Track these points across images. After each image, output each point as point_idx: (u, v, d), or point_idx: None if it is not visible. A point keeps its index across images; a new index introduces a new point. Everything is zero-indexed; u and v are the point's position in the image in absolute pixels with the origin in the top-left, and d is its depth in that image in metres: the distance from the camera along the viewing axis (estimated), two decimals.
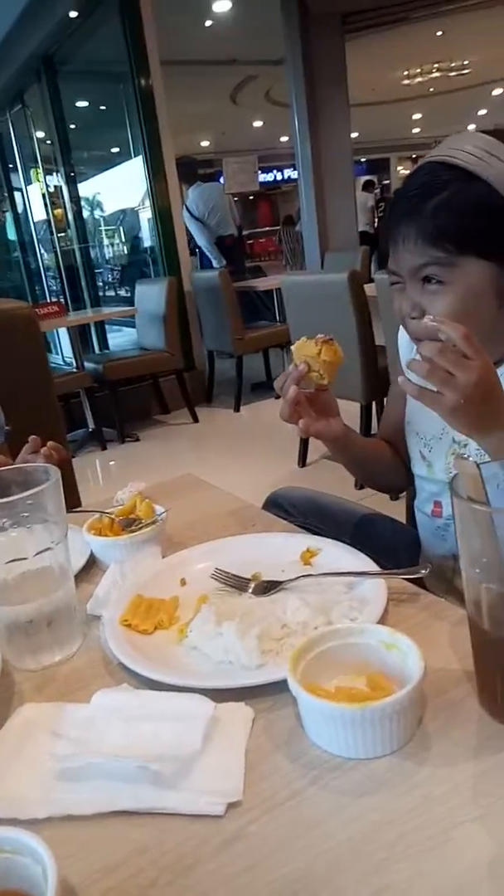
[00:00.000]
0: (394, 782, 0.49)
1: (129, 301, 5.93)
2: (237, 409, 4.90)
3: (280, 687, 0.58)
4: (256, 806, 0.48)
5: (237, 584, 0.76)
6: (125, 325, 7.24)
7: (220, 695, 0.57)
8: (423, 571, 0.71)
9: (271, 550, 0.82)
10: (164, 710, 0.56)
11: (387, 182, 12.88)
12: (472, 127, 18.02)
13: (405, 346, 1.01)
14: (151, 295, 4.55)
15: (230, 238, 6.16)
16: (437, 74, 11.16)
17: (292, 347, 0.87)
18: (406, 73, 11.06)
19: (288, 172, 18.53)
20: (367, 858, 0.43)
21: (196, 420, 4.74)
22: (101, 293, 7.35)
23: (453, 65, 10.87)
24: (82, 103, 6.91)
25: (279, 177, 17.88)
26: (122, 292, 9.14)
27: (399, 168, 19.83)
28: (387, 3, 5.80)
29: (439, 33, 8.65)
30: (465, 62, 10.76)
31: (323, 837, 0.45)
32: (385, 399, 1.11)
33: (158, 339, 4.53)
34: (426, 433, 0.93)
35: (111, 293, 8.22)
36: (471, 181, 0.76)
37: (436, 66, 10.87)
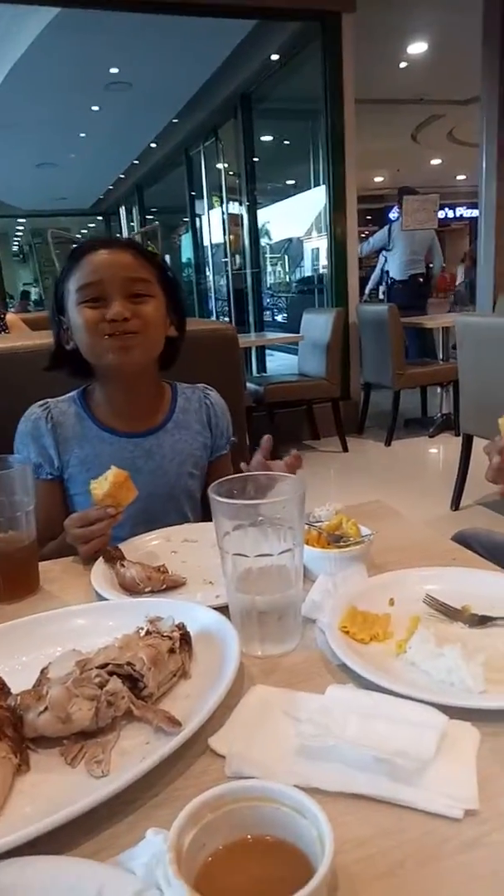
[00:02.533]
0: None
1: (286, 328, 6.14)
2: (388, 444, 4.88)
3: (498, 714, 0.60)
4: (493, 818, 0.51)
5: (448, 612, 0.79)
6: (280, 351, 7.49)
7: (445, 711, 0.61)
8: None
9: (479, 585, 0.84)
10: (397, 713, 0.60)
11: None
12: None
13: None
14: (318, 323, 4.68)
15: (421, 276, 6.25)
16: None
17: (500, 420, 0.91)
18: None
19: (460, 211, 18.22)
20: None
21: (346, 449, 4.78)
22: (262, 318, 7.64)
23: None
24: (268, 137, 7.30)
25: (450, 214, 17.64)
26: (279, 318, 9.45)
27: None
28: None
29: None
30: None
31: None
32: None
33: (319, 366, 4.64)
34: None
35: (268, 318, 8.53)
36: None
37: None
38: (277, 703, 0.65)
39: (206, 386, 1.40)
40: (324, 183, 5.07)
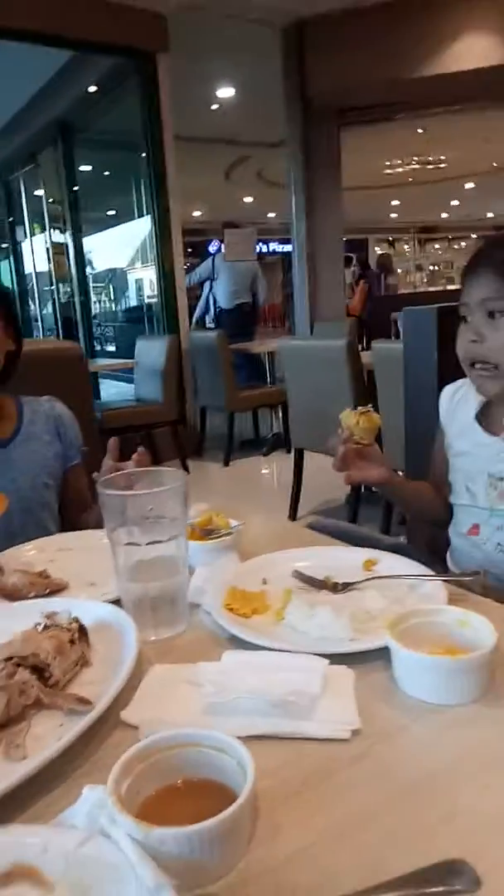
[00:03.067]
0: (478, 722, 0.63)
1: (115, 355, 6.15)
2: (227, 464, 5.06)
3: (373, 656, 0.71)
4: (374, 734, 0.61)
5: (314, 583, 0.89)
6: (112, 379, 7.46)
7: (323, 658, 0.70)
8: (476, 576, 0.86)
9: (337, 560, 0.97)
10: (287, 664, 0.68)
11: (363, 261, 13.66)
12: (444, 215, 19.31)
13: (446, 403, 1.20)
14: (152, 350, 4.76)
15: (247, 305, 6.54)
16: (416, 166, 12.03)
17: (340, 416, 1.10)
18: (388, 163, 11.91)
19: (273, 246, 19.45)
20: (472, 766, 0.57)
21: (186, 471, 4.87)
22: (94, 346, 7.55)
23: (431, 159, 11.75)
24: (88, 167, 7.30)
25: (265, 249, 18.74)
26: (110, 347, 9.40)
27: (376, 248, 20.95)
28: (377, 103, 6.36)
29: (420, 131, 9.43)
30: (442, 157, 11.65)
31: (430, 758, 0.59)
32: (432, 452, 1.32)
33: (156, 391, 4.71)
34: (471, 470, 1.11)
35: (98, 348, 8.45)
36: None
37: (415, 159, 11.73)
38: (178, 675, 0.70)
39: (50, 397, 1.42)
40: (148, 214, 5.20)
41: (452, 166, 12.15)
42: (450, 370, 2.41)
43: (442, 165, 12.07)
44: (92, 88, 5.76)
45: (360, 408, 1.08)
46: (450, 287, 11.70)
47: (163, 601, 0.80)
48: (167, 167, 5.05)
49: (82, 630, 0.74)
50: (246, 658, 0.71)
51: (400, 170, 12.28)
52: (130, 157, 5.64)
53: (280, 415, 5.31)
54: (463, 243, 21.10)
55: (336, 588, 0.88)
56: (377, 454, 1.13)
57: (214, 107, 7.65)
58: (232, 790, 0.51)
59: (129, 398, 5.08)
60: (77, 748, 0.60)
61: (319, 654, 0.70)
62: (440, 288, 11.40)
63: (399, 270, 14.53)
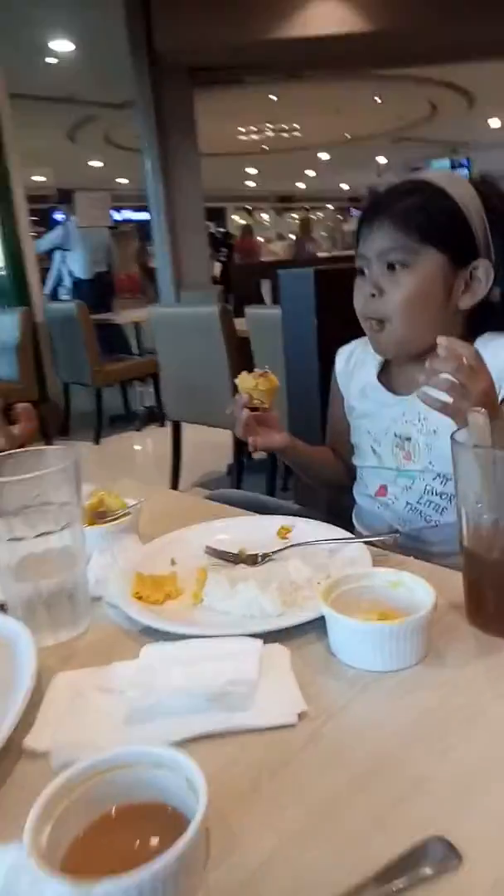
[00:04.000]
0: (425, 684, 0.59)
1: None
2: (97, 442, 4.84)
3: (305, 629, 0.66)
4: (320, 714, 0.56)
5: (229, 558, 0.82)
6: None
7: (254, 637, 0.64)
8: (395, 537, 0.83)
9: (248, 531, 0.90)
10: (217, 651, 0.61)
11: (224, 230, 13.57)
12: (301, 185, 19.62)
13: (342, 365, 1.17)
14: (2, 324, 4.41)
15: (106, 274, 6.21)
16: (270, 134, 12.05)
17: (236, 381, 1.03)
18: (243, 129, 11.84)
19: (127, 213, 18.77)
20: (428, 732, 0.53)
21: None
22: None
23: (285, 127, 11.82)
24: None
25: (118, 217, 18.04)
26: None
27: (234, 217, 20.91)
28: (228, 64, 6.23)
29: (273, 98, 9.43)
30: (296, 126, 11.76)
31: (384, 730, 0.54)
32: (327, 414, 1.29)
33: (11, 369, 4.38)
34: (376, 432, 1.07)
35: None
36: (440, 195, 0.94)
37: (269, 126, 11.75)
38: (88, 682, 0.61)
39: None
40: None
41: (306, 136, 12.29)
42: (329, 333, 2.42)
43: (296, 134, 12.17)
44: None
45: (256, 370, 1.02)
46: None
47: (59, 599, 0.69)
48: (3, 127, 4.63)
49: None
50: (168, 651, 0.62)
51: (255, 137, 12.24)
52: None
53: (151, 387, 5.16)
54: (320, 213, 21.59)
55: (254, 561, 0.82)
56: (275, 419, 1.08)
57: (51, 61, 7.11)
58: (175, 809, 0.43)
59: None
60: None
61: (248, 635, 0.64)
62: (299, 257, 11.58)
63: (261, 239, 14.61)
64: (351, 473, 1.18)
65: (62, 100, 8.85)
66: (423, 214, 0.93)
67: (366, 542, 0.81)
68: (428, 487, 1.01)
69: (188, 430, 3.68)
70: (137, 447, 4.98)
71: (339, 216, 21.04)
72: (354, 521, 1.14)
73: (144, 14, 5.52)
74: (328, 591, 0.64)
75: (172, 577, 0.78)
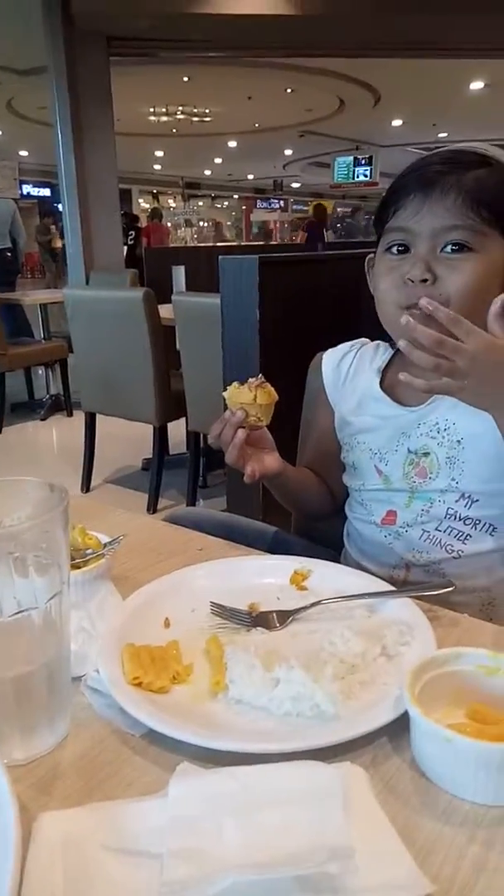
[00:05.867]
0: None
1: None
2: None
3: (371, 736, 0.49)
4: (450, 892, 0.39)
5: (241, 619, 0.64)
6: None
7: (311, 755, 0.46)
8: (450, 588, 0.67)
9: (252, 577, 0.72)
10: (277, 790, 0.42)
11: (128, 212, 13.08)
12: (208, 173, 19.31)
13: (331, 373, 1.00)
14: None
15: (7, 251, 5.72)
16: (181, 117, 11.74)
17: (224, 394, 0.86)
18: (152, 110, 11.44)
19: (27, 188, 17.72)
20: None
21: None
22: None
23: (196, 111, 11.55)
24: None
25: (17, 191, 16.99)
26: None
27: (140, 200, 20.31)
28: (147, 35, 5.91)
29: (186, 79, 9.15)
30: (207, 110, 11.52)
31: None
32: (302, 429, 1.11)
33: None
34: (382, 448, 0.91)
35: None
36: (497, 167, 0.79)
37: (181, 108, 11.44)
38: (91, 836, 0.41)
39: None
40: None
41: (217, 122, 12.08)
42: (270, 326, 2.26)
43: (207, 119, 11.92)
44: None
45: (251, 380, 0.84)
46: (224, 244, 11.73)
47: (33, 693, 0.48)
48: None
49: None
50: (208, 786, 0.43)
51: (165, 119, 11.88)
52: None
53: (58, 374, 4.79)
54: (226, 203, 21.41)
55: (271, 622, 0.64)
56: (268, 437, 0.90)
57: None
58: None
59: None
60: None
61: (306, 752, 0.46)
62: (217, 244, 11.35)
63: (169, 224, 14.22)
64: (336, 499, 1.03)
65: None
66: (493, 190, 0.78)
67: (415, 597, 0.65)
68: (450, 511, 0.86)
69: (100, 423, 3.40)
70: (43, 437, 4.62)
71: (243, 206, 21.03)
72: (351, 551, 0.98)
73: None
74: (411, 683, 0.48)
75: (174, 649, 0.59)
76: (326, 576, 0.71)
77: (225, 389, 0.85)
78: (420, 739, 0.47)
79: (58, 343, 4.65)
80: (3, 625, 0.45)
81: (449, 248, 0.78)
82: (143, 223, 11.65)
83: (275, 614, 0.64)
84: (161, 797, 0.43)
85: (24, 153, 14.04)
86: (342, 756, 0.48)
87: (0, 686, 0.47)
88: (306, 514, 1.07)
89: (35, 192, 18.00)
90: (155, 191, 20.71)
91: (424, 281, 0.78)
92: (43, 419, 4.80)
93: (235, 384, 0.84)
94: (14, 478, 0.51)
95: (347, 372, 1.00)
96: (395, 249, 0.82)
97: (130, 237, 10.73)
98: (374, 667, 0.56)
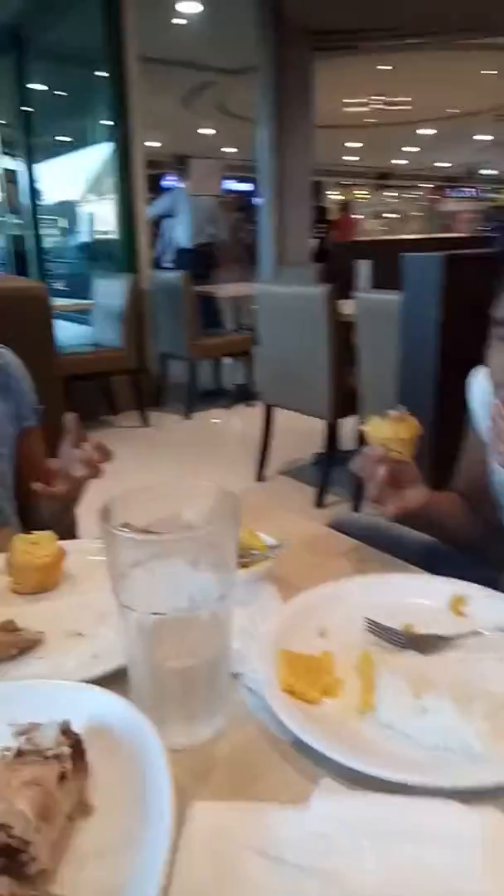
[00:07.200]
0: None
1: (67, 295, 5.69)
2: (188, 416, 4.75)
3: None
4: None
5: (395, 639, 0.64)
6: (65, 320, 6.93)
7: (457, 795, 0.45)
8: None
9: (409, 595, 0.72)
10: (416, 824, 0.43)
11: (321, 206, 13.11)
12: (399, 162, 18.70)
13: (480, 392, 0.94)
14: (111, 291, 4.34)
15: (209, 246, 6.07)
16: (378, 106, 11.51)
17: (366, 429, 0.84)
18: (348, 101, 11.34)
19: (229, 184, 18.55)
20: None
21: (146, 424, 4.54)
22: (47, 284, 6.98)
23: (396, 100, 11.24)
24: (43, 87, 6.57)
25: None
26: (59, 285, 8.78)
27: (331, 193, 20.27)
28: (354, 26, 5.87)
29: (389, 67, 8.94)
30: (405, 99, 11.16)
31: None
32: (462, 447, 1.06)
33: (114, 336, 4.32)
34: None
35: (58, 284, 7.85)
36: None
37: (377, 98, 11.20)
38: (238, 833, 0.44)
39: None
40: (105, 141, 4.68)
41: (413, 110, 11.70)
42: (453, 329, 2.15)
43: (406, 108, 11.59)
44: None
45: (392, 412, 0.82)
46: (412, 236, 11.38)
47: (198, 684, 0.53)
48: (129, 89, 4.52)
49: (77, 751, 0.46)
50: (350, 808, 0.44)
51: (361, 109, 11.73)
52: (88, 76, 5.03)
53: (245, 365, 5.00)
54: (416, 193, 20.65)
55: (427, 646, 0.63)
56: (414, 471, 0.87)
57: (178, 22, 6.94)
58: None
59: (86, 343, 4.64)
60: None
61: (452, 791, 0.45)
62: (403, 237, 11.03)
63: (361, 217, 14.10)
64: (489, 530, 0.96)
65: (182, 64, 8.70)
66: None
67: None
68: None
69: (279, 414, 3.50)
70: (226, 425, 4.85)
71: (434, 196, 20.10)
72: None
73: None
74: None
75: (327, 661, 0.61)
76: (487, 603, 0.69)
77: (367, 420, 0.84)
78: None
79: (245, 335, 4.84)
80: (177, 619, 0.50)
81: None
82: (335, 215, 11.67)
83: (430, 638, 0.64)
84: (303, 809, 0.45)
85: (230, 150, 14.73)
86: (489, 800, 0.46)
87: (169, 676, 0.52)
88: (456, 543, 1.01)
89: (236, 186, 18.77)
90: (346, 182, 20.57)
91: None
92: (228, 408, 5.04)
93: (376, 418, 0.83)
94: (196, 482, 0.56)
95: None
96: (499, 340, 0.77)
97: (320, 230, 10.83)
98: None
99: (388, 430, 0.81)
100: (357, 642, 0.64)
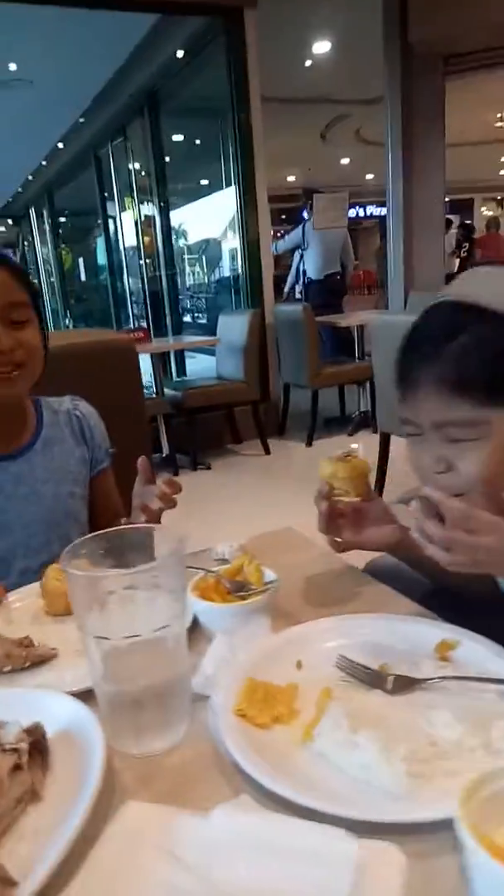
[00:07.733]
0: None
1: (206, 329, 6.03)
2: (310, 444, 4.82)
3: (436, 826, 0.48)
4: None
5: (365, 677, 0.67)
6: (199, 353, 7.35)
7: (360, 826, 0.48)
8: None
9: (399, 638, 0.73)
10: (299, 846, 0.47)
11: (468, 222, 12.67)
12: None
13: None
14: (234, 326, 4.56)
15: (336, 276, 6.18)
16: None
17: (323, 465, 0.89)
18: (500, 115, 10.97)
19: (371, 209, 18.59)
20: None
21: (268, 452, 4.68)
22: (181, 320, 7.47)
23: None
24: (179, 137, 7.12)
25: (361, 213, 17.94)
26: (202, 320, 9.34)
27: (483, 209, 19.54)
28: (488, 46, 5.74)
29: None
30: None
31: None
32: None
33: (237, 369, 4.52)
34: None
35: (188, 320, 8.37)
36: (496, 322, 0.69)
37: None
38: (154, 830, 0.50)
39: (73, 396, 1.27)
40: (232, 184, 4.97)
41: None
42: None
43: None
44: (179, 54, 5.53)
45: (338, 452, 0.87)
46: None
47: (149, 703, 0.60)
48: (254, 131, 4.78)
49: (37, 747, 0.55)
50: (244, 823, 0.49)
51: None
52: (219, 123, 5.40)
53: (368, 393, 4.99)
54: None
55: (395, 686, 0.65)
56: (379, 509, 0.89)
57: (308, 63, 7.23)
58: None
59: (212, 376, 4.91)
60: None
61: (358, 820, 0.48)
62: None
63: None
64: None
65: (318, 100, 9.00)
66: (482, 366, 0.68)
67: None
68: None
69: (398, 442, 3.46)
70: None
71: None
72: None
73: (401, 6, 5.33)
74: (468, 796, 0.46)
75: (290, 691, 0.65)
76: (473, 650, 0.69)
77: None
78: (473, 868, 0.44)
79: (365, 363, 4.84)
80: (130, 645, 0.58)
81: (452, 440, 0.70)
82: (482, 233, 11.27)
83: (401, 679, 0.65)
84: (206, 818, 0.50)
85: (369, 176, 14.82)
86: (402, 837, 0.48)
87: (119, 696, 0.60)
88: (441, 584, 0.97)
89: (377, 211, 18.81)
90: (499, 197, 19.76)
91: (440, 472, 0.71)
92: (350, 434, 5.04)
93: (326, 458, 0.88)
94: (140, 525, 0.63)
95: None
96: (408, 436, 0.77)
97: (464, 249, 10.49)
98: (470, 758, 0.54)
99: (329, 469, 0.85)
100: (328, 676, 0.68)
